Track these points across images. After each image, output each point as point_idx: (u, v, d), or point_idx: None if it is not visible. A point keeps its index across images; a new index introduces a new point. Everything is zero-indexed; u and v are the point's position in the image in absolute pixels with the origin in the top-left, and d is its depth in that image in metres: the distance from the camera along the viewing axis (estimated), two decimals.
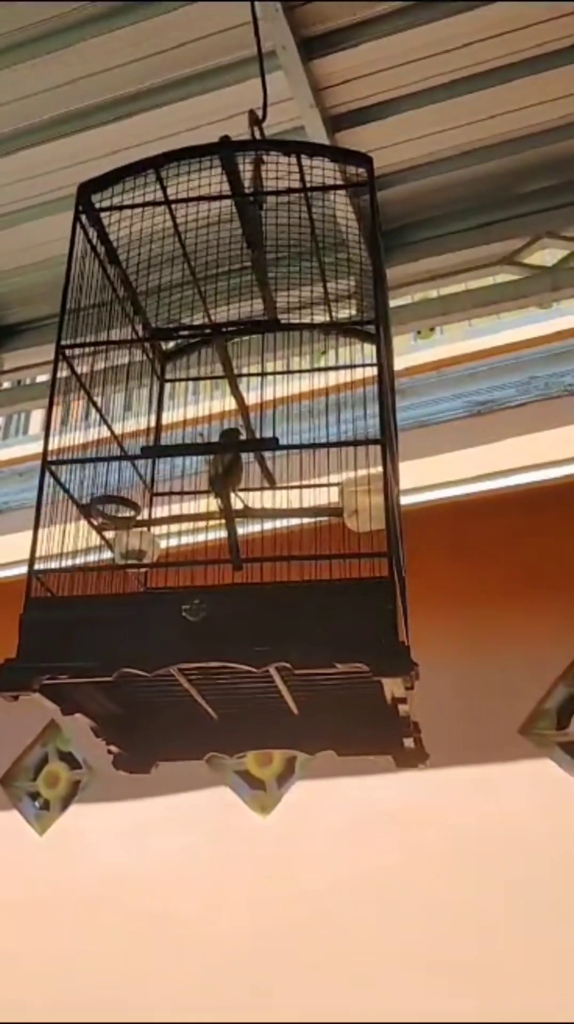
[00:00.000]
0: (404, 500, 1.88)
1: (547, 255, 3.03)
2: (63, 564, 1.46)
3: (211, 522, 1.76)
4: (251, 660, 1.26)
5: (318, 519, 1.73)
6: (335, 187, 1.67)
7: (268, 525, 1.76)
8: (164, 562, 1.69)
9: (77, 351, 1.60)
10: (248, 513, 1.75)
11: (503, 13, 2.40)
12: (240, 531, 1.81)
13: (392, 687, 1.38)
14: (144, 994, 3.69)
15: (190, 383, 2.10)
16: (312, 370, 1.87)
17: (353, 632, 1.28)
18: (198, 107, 2.59)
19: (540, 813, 3.48)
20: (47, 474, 1.46)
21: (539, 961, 3.28)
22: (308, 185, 1.70)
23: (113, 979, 3.77)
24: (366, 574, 1.36)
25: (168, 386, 2.03)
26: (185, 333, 1.73)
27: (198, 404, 2.03)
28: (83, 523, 1.57)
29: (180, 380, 1.99)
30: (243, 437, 1.81)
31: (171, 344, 1.98)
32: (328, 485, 1.75)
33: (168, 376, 2.01)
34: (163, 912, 3.82)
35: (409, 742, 1.62)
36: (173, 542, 1.81)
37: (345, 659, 1.25)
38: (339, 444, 1.53)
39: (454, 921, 3.42)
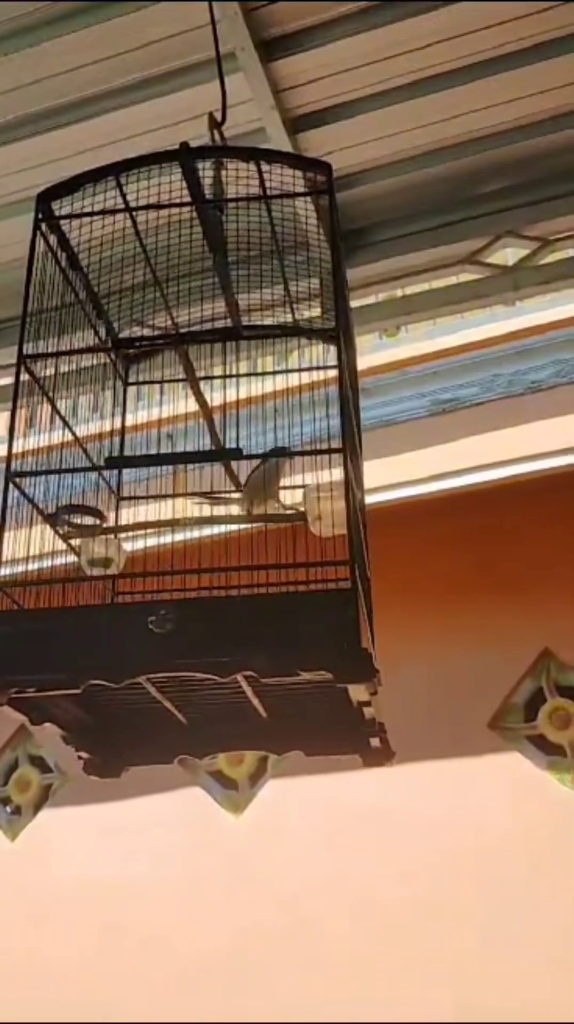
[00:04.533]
0: (370, 499, 1.89)
1: (509, 254, 3.06)
2: (31, 575, 1.46)
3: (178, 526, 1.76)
4: (217, 670, 1.26)
5: (283, 524, 1.73)
6: (295, 194, 1.67)
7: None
8: (131, 572, 1.68)
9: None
10: (214, 520, 1.76)
11: (461, 16, 2.42)
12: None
13: (356, 693, 1.40)
14: (118, 997, 3.68)
15: (156, 384, 2.09)
16: (275, 372, 1.87)
17: (317, 640, 1.29)
18: (158, 109, 2.58)
19: (509, 806, 3.52)
20: (11, 486, 1.45)
21: (512, 955, 3.32)
22: (269, 189, 1.71)
23: (86, 982, 3.76)
24: (330, 579, 1.37)
25: (134, 388, 2.03)
26: (146, 344, 1.73)
27: (162, 406, 2.03)
28: (49, 532, 1.57)
29: (143, 383, 1.99)
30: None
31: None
32: (292, 487, 1.76)
33: (131, 379, 2.01)
34: (137, 914, 3.82)
35: (375, 742, 1.64)
36: (139, 544, 1.81)
37: (309, 667, 1.26)
38: (302, 453, 1.54)
39: (428, 916, 3.45)
